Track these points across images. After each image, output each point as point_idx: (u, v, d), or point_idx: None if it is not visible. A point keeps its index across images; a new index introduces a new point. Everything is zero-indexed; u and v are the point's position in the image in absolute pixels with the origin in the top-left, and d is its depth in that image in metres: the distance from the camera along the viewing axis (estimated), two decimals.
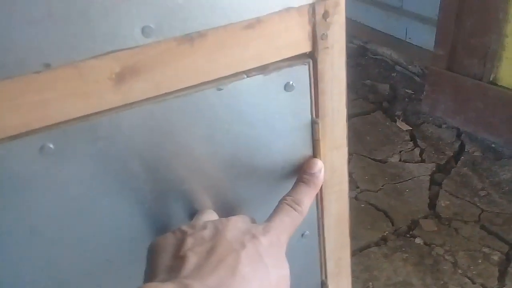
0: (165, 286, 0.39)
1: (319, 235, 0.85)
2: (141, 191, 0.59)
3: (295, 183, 0.64)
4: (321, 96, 0.67)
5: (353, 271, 1.40)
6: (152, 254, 0.49)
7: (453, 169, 1.85)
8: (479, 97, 1.86)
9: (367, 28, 2.84)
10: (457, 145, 1.97)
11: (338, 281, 0.93)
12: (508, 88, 1.80)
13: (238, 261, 0.44)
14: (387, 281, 1.39)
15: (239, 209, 0.69)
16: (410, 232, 1.57)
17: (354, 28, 2.90)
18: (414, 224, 1.59)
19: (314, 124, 0.70)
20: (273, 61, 0.59)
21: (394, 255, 1.48)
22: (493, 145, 1.90)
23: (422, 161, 1.92)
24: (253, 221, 0.55)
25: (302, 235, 0.83)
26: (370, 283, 1.38)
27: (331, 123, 0.71)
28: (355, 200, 1.73)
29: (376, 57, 2.77)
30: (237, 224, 0.51)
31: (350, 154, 1.99)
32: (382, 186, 1.78)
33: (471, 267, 1.41)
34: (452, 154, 1.93)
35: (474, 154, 1.90)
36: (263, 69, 0.60)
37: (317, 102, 0.68)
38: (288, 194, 0.61)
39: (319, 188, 0.66)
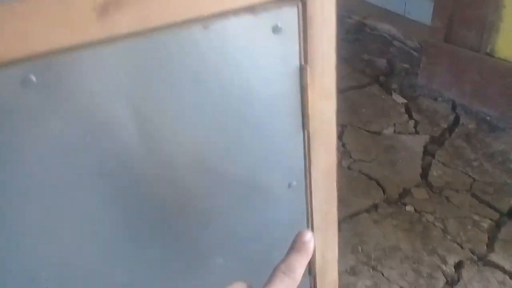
0: None
1: (306, 186, 0.86)
2: (126, 129, 0.59)
3: (287, 251, 0.70)
4: (310, 40, 0.67)
5: (343, 236, 1.42)
6: None
7: (447, 141, 1.85)
8: (476, 69, 1.86)
9: (366, 3, 2.82)
10: (452, 117, 1.98)
11: (325, 236, 0.94)
12: (505, 60, 1.79)
13: None
14: (377, 245, 1.41)
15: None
16: (401, 200, 1.58)
17: (353, 3, 2.88)
18: (406, 193, 1.61)
19: (302, 70, 0.70)
20: (261, 1, 0.59)
21: (384, 221, 1.50)
22: (488, 118, 1.91)
23: (417, 133, 1.92)
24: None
25: (289, 185, 0.84)
26: (359, 247, 1.40)
27: (320, 69, 0.71)
28: (347, 169, 1.74)
29: (374, 32, 2.75)
30: None
31: (344, 125, 2.01)
32: (375, 157, 1.79)
33: (461, 233, 1.43)
34: (446, 126, 1.93)
35: (469, 126, 1.91)
36: (251, 9, 0.59)
37: (306, 47, 0.68)
38: (281, 262, 0.65)
39: (310, 256, 0.70)
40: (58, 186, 0.62)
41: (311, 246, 0.70)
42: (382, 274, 1.32)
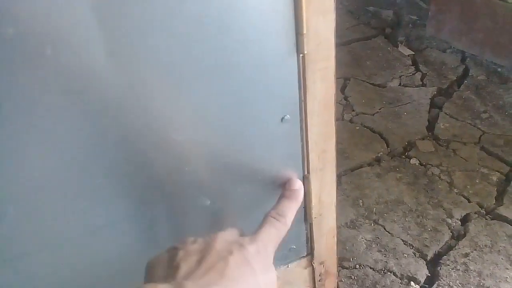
0: (162, 285, 0.45)
1: (301, 120, 0.77)
2: (94, 45, 0.51)
3: (278, 199, 0.70)
4: None
5: (343, 189, 1.34)
6: (148, 269, 0.54)
7: (455, 93, 1.75)
8: (488, 15, 1.74)
9: None
10: (461, 69, 1.86)
11: (322, 177, 0.85)
12: None
13: (227, 265, 0.48)
14: (378, 198, 1.33)
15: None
16: (406, 153, 1.49)
17: None
18: (410, 146, 1.52)
19: None
20: None
21: (387, 174, 1.42)
22: (498, 69, 1.80)
23: (423, 85, 1.82)
24: (241, 234, 0.59)
25: (282, 119, 0.74)
26: (360, 201, 1.32)
27: None
28: (349, 122, 1.65)
29: None
30: (225, 237, 0.55)
31: (347, 78, 1.90)
32: (379, 110, 1.70)
33: (468, 187, 1.34)
34: (455, 78, 1.83)
35: (478, 78, 1.80)
36: None
37: None
38: (272, 208, 0.66)
39: (300, 203, 0.72)
40: (16, 107, 0.54)
41: (301, 193, 0.73)
42: (384, 228, 1.24)
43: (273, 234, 0.61)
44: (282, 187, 0.76)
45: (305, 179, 0.84)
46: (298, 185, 0.76)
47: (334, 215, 0.94)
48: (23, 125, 0.59)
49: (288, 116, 0.74)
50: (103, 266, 0.77)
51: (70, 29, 0.51)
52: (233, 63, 0.66)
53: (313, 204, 0.87)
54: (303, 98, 0.74)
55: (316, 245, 0.95)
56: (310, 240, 0.93)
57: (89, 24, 0.52)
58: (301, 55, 0.68)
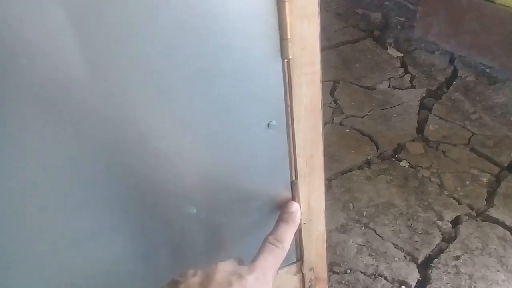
0: None
1: (287, 126, 0.76)
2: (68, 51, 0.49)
3: (276, 223, 0.71)
4: None
5: (333, 193, 1.32)
6: None
7: (444, 94, 1.75)
8: (475, 17, 1.74)
9: None
10: (449, 71, 1.86)
11: (310, 182, 0.84)
12: (505, 6, 1.67)
13: None
14: (369, 202, 1.32)
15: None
16: (396, 156, 1.49)
17: None
18: (400, 148, 1.52)
19: None
20: None
21: (377, 177, 1.41)
22: (487, 70, 1.80)
23: (412, 87, 1.81)
24: (240, 262, 0.60)
25: (268, 125, 0.73)
26: (351, 204, 1.31)
27: None
28: (339, 125, 1.64)
29: None
30: (224, 268, 0.56)
31: (337, 81, 1.89)
32: (369, 112, 1.69)
33: (458, 189, 1.34)
34: (444, 79, 1.83)
35: (467, 79, 1.80)
36: None
37: None
38: (270, 234, 0.67)
39: (297, 226, 0.72)
40: None
41: (298, 215, 0.74)
42: (375, 232, 1.23)
43: (272, 261, 0.62)
44: (280, 211, 0.76)
45: (293, 185, 0.83)
46: (295, 207, 0.76)
47: (324, 221, 0.93)
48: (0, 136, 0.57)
49: (274, 121, 0.73)
50: (87, 279, 0.75)
51: (46, 36, 0.49)
52: (217, 69, 0.65)
53: (301, 210, 0.86)
54: (289, 103, 0.73)
55: (305, 251, 0.94)
56: (299, 247, 0.92)
57: (66, 32, 0.50)
58: (285, 60, 0.67)
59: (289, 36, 0.63)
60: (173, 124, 0.66)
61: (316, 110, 0.77)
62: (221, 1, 0.56)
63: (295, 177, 0.82)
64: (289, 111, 0.74)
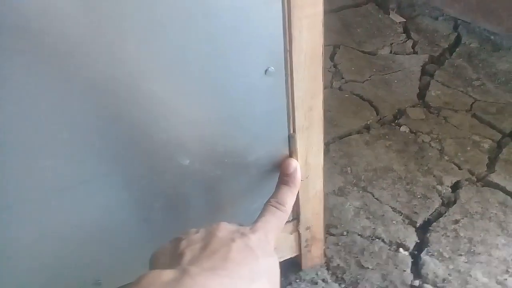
0: (166, 272, 0.45)
1: (286, 74, 0.72)
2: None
3: (276, 185, 0.71)
4: None
5: (331, 157, 1.29)
6: (152, 260, 0.54)
7: (447, 61, 1.70)
8: None
9: None
10: (453, 37, 1.81)
11: (308, 137, 0.81)
12: None
13: (230, 250, 0.50)
14: (367, 166, 1.29)
15: None
16: (396, 121, 1.45)
17: None
18: (401, 113, 1.48)
19: None
20: None
21: (376, 142, 1.37)
22: (491, 37, 1.75)
23: (415, 52, 1.76)
24: (241, 225, 0.59)
25: (266, 71, 0.69)
26: (349, 168, 1.28)
27: None
28: (338, 90, 1.60)
29: None
30: (226, 226, 0.56)
31: (337, 45, 1.84)
32: (369, 77, 1.65)
33: (459, 154, 1.31)
34: (447, 46, 1.77)
35: (471, 45, 1.75)
36: None
37: None
38: (272, 197, 0.68)
39: (299, 186, 0.72)
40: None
41: (298, 176, 0.72)
42: (373, 195, 1.20)
43: (274, 223, 0.62)
44: (280, 173, 0.74)
45: (290, 139, 0.79)
46: (293, 166, 0.73)
47: (322, 179, 0.90)
48: None
49: (272, 68, 0.69)
50: (78, 228, 0.72)
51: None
52: (212, 6, 0.60)
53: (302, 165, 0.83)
54: (288, 49, 0.69)
55: (302, 210, 0.92)
56: (296, 205, 0.89)
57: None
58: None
59: None
60: (166, 64, 0.62)
61: (317, 58, 0.73)
62: None
63: (293, 131, 0.79)
64: (288, 58, 0.70)
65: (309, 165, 0.85)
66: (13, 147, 0.61)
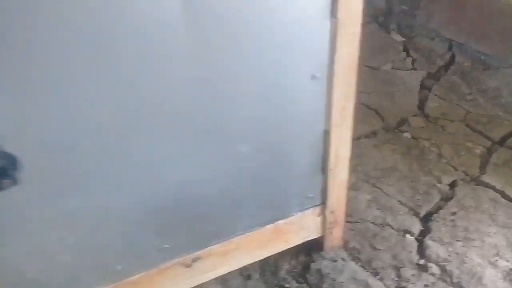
0: None
1: (328, 79, 0.90)
2: None
3: None
4: None
5: None
6: None
7: (442, 77, 1.90)
8: (475, 7, 1.89)
9: None
10: (448, 56, 2.02)
11: (341, 132, 0.99)
12: None
13: None
14: (376, 166, 1.47)
15: None
16: (399, 128, 1.64)
17: None
18: (403, 121, 1.67)
19: None
20: None
21: (383, 146, 1.56)
22: (482, 57, 1.96)
23: (414, 69, 1.97)
24: None
25: (313, 76, 0.87)
26: (360, 167, 1.46)
27: None
28: None
29: None
30: None
31: None
32: (373, 90, 1.83)
33: (455, 158, 1.50)
34: (442, 64, 1.98)
35: (464, 64, 1.96)
36: None
37: None
38: None
39: None
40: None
41: None
42: (381, 190, 1.38)
43: None
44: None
45: (325, 133, 0.97)
46: None
47: (347, 169, 1.08)
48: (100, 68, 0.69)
49: (318, 74, 0.87)
50: (158, 198, 0.88)
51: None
52: (276, 22, 0.78)
53: (330, 157, 1.00)
54: (331, 59, 0.87)
55: (329, 195, 1.09)
56: (324, 190, 1.06)
57: None
58: (334, 20, 0.80)
59: None
60: (237, 69, 0.80)
61: (353, 68, 0.91)
62: None
63: (328, 127, 0.96)
64: (331, 67, 0.87)
65: (338, 156, 1.02)
66: (117, 129, 0.77)
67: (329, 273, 1.16)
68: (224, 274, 1.12)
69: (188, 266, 1.01)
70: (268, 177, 0.97)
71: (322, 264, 1.18)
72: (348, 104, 0.94)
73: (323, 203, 1.09)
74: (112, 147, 0.78)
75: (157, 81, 0.75)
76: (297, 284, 1.15)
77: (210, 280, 1.12)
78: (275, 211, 1.04)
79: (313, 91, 0.89)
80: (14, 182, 0.72)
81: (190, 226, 0.96)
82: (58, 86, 0.68)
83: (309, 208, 1.07)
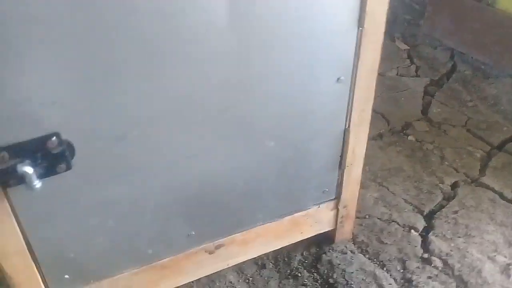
0: None
1: (351, 82, 0.98)
2: None
3: None
4: None
5: None
6: None
7: (445, 84, 2.00)
8: (476, 18, 1.99)
9: None
10: (450, 64, 2.12)
11: (359, 132, 1.07)
12: (504, 11, 1.92)
13: None
14: (382, 166, 1.56)
15: None
16: (404, 131, 1.73)
17: None
18: (408, 125, 1.75)
19: None
20: None
21: (388, 148, 1.64)
22: (482, 66, 2.05)
23: (417, 76, 2.06)
24: None
25: (338, 79, 0.96)
26: (367, 167, 1.54)
27: None
28: None
29: None
30: None
31: None
32: (379, 94, 1.92)
33: (456, 160, 1.58)
34: (445, 72, 2.08)
35: (465, 72, 2.05)
36: None
37: None
38: None
39: None
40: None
41: None
42: (388, 189, 1.47)
43: None
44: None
45: (346, 132, 1.05)
46: None
47: (361, 167, 1.16)
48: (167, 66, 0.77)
49: (343, 77, 0.96)
50: (195, 183, 0.95)
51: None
52: (309, 30, 0.86)
53: (348, 154, 1.08)
54: (355, 64, 0.95)
55: (343, 190, 1.17)
56: (339, 185, 1.14)
57: None
58: (360, 29, 0.89)
59: (367, 10, 0.85)
60: (272, 70, 0.88)
61: (374, 72, 0.99)
62: None
63: (348, 126, 1.04)
64: (355, 71, 0.96)
65: (355, 154, 1.10)
66: (164, 122, 0.84)
67: (339, 264, 1.24)
68: (240, 263, 1.19)
69: (211, 252, 1.08)
70: (290, 172, 1.05)
71: (333, 255, 1.26)
72: (367, 106, 1.02)
73: (337, 198, 1.17)
74: (155, 138, 0.85)
75: (199, 80, 0.82)
76: (308, 274, 1.23)
77: (228, 267, 1.19)
78: (293, 204, 1.12)
79: (337, 93, 0.97)
80: (69, 167, 0.79)
81: (215, 215, 1.03)
82: (115, 83, 0.76)
83: (324, 202, 1.15)
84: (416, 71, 2.09)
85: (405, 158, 1.60)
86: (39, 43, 0.68)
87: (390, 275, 1.22)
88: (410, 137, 1.69)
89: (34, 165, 0.75)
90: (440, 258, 1.25)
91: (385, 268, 1.23)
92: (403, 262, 1.25)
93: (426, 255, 1.26)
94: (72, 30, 0.68)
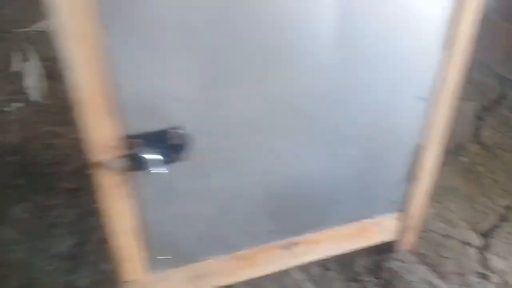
0: None
1: (432, 100, 1.05)
2: None
3: None
4: None
5: None
6: None
7: (495, 110, 2.06)
8: None
9: None
10: (499, 91, 2.17)
11: (432, 147, 1.14)
12: None
13: None
14: (437, 184, 1.61)
15: None
16: (457, 152, 1.79)
17: None
18: (461, 147, 1.81)
19: None
20: None
21: (443, 167, 1.70)
22: None
23: (468, 100, 2.12)
24: None
25: (420, 97, 1.03)
26: None
27: None
28: None
29: None
30: None
31: None
32: None
33: (509, 184, 1.64)
34: (495, 98, 2.14)
35: None
36: None
37: None
38: None
39: None
40: None
41: None
42: (443, 206, 1.53)
43: None
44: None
45: (420, 147, 1.12)
46: None
47: (431, 182, 1.23)
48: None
49: (425, 95, 1.03)
50: (283, 183, 1.03)
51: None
52: (398, 49, 0.94)
53: (417, 168, 1.15)
54: (440, 84, 1.02)
55: (411, 203, 1.23)
56: (408, 198, 1.21)
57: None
58: (446, 51, 0.96)
59: (454, 34, 0.93)
60: (362, 83, 0.96)
61: (455, 92, 1.06)
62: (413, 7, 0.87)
63: (423, 141, 1.11)
64: (439, 90, 1.03)
65: (426, 169, 1.17)
66: (257, 129, 0.93)
67: (400, 272, 1.30)
68: (307, 263, 1.27)
69: (286, 249, 1.16)
70: (366, 180, 1.13)
71: (394, 264, 1.32)
72: (443, 123, 1.10)
73: (405, 209, 1.24)
74: (257, 139, 0.94)
75: (302, 88, 0.91)
76: (370, 279, 1.30)
77: (294, 266, 1.27)
78: (364, 210, 1.19)
79: (418, 110, 1.05)
80: (186, 158, 0.89)
81: (296, 214, 1.12)
82: (234, 88, 0.85)
83: (392, 211, 1.22)
84: (467, 95, 2.15)
85: (459, 178, 1.66)
86: (179, 49, 0.78)
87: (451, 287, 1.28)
88: (463, 159, 1.75)
89: (161, 153, 0.84)
90: (498, 275, 1.30)
91: (444, 280, 1.29)
92: (462, 275, 1.31)
93: (483, 271, 1.31)
94: (206, 39, 0.78)
